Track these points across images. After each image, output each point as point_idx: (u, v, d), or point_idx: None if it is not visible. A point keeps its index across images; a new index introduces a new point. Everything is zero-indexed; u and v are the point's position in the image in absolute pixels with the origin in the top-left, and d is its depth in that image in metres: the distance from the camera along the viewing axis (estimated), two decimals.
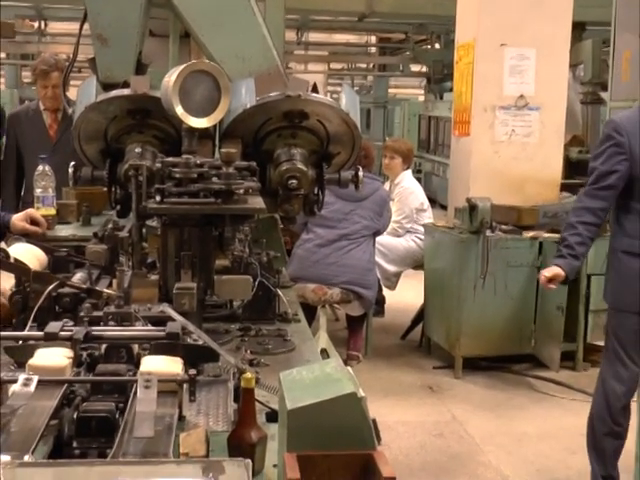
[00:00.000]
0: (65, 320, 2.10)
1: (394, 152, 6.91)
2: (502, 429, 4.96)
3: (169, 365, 1.84)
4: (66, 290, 2.35)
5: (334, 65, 19.60)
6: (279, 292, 2.97)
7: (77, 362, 1.90)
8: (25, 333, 2.15)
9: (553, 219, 5.91)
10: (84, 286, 2.43)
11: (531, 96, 6.07)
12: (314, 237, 5.77)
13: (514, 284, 5.80)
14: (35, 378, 1.70)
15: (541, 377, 5.77)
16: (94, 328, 2.02)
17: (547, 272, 3.76)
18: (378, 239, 6.20)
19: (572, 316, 5.69)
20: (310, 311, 5.51)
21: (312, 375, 1.65)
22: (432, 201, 9.12)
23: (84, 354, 1.94)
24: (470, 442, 4.78)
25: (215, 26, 3.13)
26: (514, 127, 6.08)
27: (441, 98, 14.66)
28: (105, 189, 2.91)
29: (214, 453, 1.67)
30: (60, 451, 1.64)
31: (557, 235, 5.65)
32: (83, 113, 2.84)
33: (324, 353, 5.06)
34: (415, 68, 17.73)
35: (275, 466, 1.70)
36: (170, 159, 2.45)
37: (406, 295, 7.18)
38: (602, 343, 4.16)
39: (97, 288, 2.46)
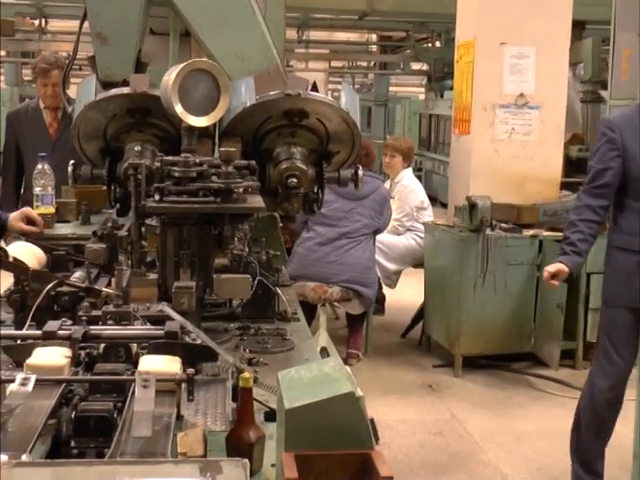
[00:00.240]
0: (63, 319, 2.11)
1: (394, 150, 6.91)
2: (502, 427, 4.96)
3: (167, 364, 1.84)
4: (65, 289, 2.35)
5: (335, 63, 19.57)
6: (278, 291, 2.97)
7: (75, 361, 1.90)
8: (23, 332, 2.15)
9: (553, 217, 5.91)
10: (83, 285, 2.43)
11: (531, 95, 6.07)
12: (314, 235, 5.77)
13: (514, 282, 5.80)
14: (33, 377, 1.70)
15: (541, 375, 5.76)
16: (92, 327, 2.02)
17: (551, 268, 3.76)
18: (378, 237, 6.21)
19: (572, 314, 5.68)
20: (310, 309, 5.52)
21: (310, 374, 1.65)
22: (433, 199, 9.11)
23: (82, 353, 1.93)
24: (470, 440, 4.78)
25: (215, 25, 3.14)
26: (514, 125, 6.08)
27: (441, 96, 14.64)
28: (104, 188, 2.91)
29: (212, 453, 1.67)
30: (58, 451, 1.64)
31: (557, 233, 5.67)
32: (83, 112, 2.84)
33: (324, 351, 5.07)
34: (416, 66, 17.72)
35: (273, 465, 1.70)
36: (169, 158, 2.45)
37: (406, 293, 7.18)
38: None
39: (96, 287, 2.46)
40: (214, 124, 2.71)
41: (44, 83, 4.96)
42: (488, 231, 5.64)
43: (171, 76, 2.50)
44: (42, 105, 5.04)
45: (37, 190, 3.66)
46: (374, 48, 17.94)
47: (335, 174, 2.92)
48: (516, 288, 5.81)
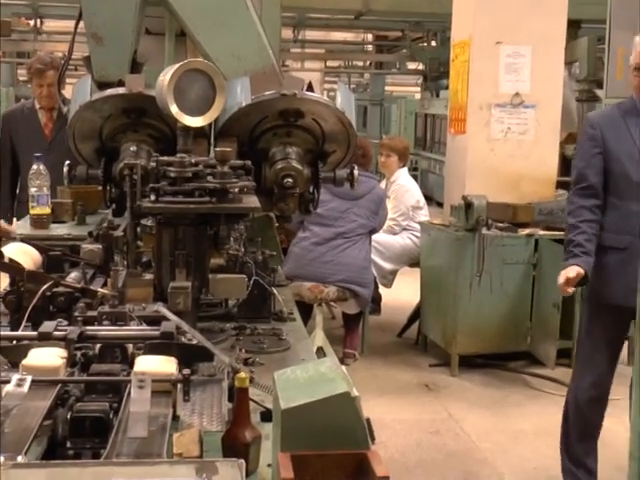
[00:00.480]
0: (59, 320, 2.10)
1: (390, 150, 6.91)
2: (498, 426, 4.97)
3: (163, 365, 1.84)
4: (60, 290, 2.34)
5: (331, 63, 19.58)
6: (274, 291, 2.97)
7: (71, 362, 1.90)
8: (19, 333, 2.14)
9: (549, 216, 5.91)
10: (78, 285, 2.42)
11: (527, 94, 6.07)
12: (310, 235, 5.77)
13: (510, 281, 5.81)
14: (29, 378, 1.70)
15: (537, 374, 5.77)
16: (88, 328, 2.02)
17: (571, 273, 3.54)
18: (374, 237, 6.21)
19: (568, 313, 5.69)
20: (306, 309, 5.52)
21: (306, 374, 1.65)
22: (428, 199, 9.12)
23: (78, 354, 1.93)
24: (466, 440, 4.79)
25: (210, 25, 3.13)
26: (510, 125, 6.08)
27: (437, 96, 14.65)
28: (100, 188, 2.90)
29: (208, 453, 1.67)
30: (54, 451, 1.64)
31: (553, 233, 5.69)
32: (78, 112, 2.83)
33: (320, 351, 5.07)
34: (411, 66, 17.74)
35: (269, 466, 1.70)
36: (165, 158, 2.44)
37: (402, 293, 7.18)
38: None
39: (91, 287, 2.45)
40: (210, 124, 2.71)
41: (39, 83, 4.96)
42: (484, 230, 5.65)
43: (166, 76, 2.50)
44: (37, 105, 5.04)
45: (33, 190, 3.66)
46: (370, 48, 17.95)
47: (331, 174, 2.92)
48: (512, 287, 5.82)
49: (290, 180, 2.73)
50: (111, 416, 1.68)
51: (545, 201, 6.07)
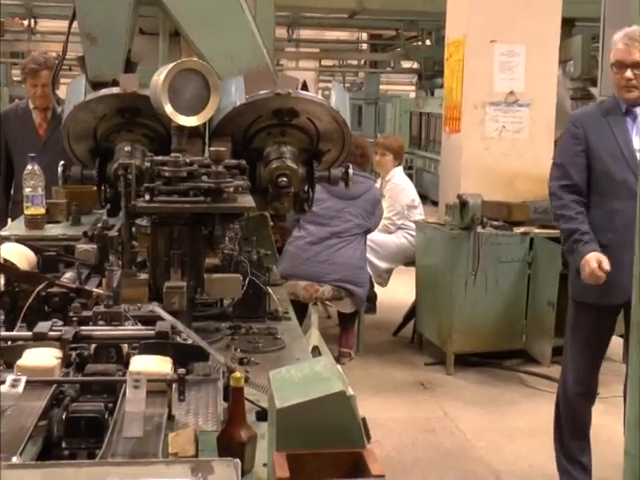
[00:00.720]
0: (54, 320, 2.10)
1: (385, 149, 6.91)
2: (494, 425, 4.97)
3: (158, 365, 1.84)
4: (55, 290, 2.34)
5: (325, 62, 19.59)
6: (269, 290, 2.97)
7: (66, 362, 1.90)
8: (14, 333, 2.14)
9: (544, 215, 5.91)
10: (73, 286, 2.42)
11: (521, 92, 6.08)
12: (305, 234, 5.77)
13: (505, 280, 5.81)
14: (23, 379, 1.70)
15: (532, 372, 5.77)
16: (83, 328, 2.02)
17: (595, 260, 3.53)
18: (370, 236, 6.22)
19: (563, 311, 5.66)
20: (301, 308, 5.52)
21: (301, 374, 1.65)
22: (423, 197, 9.13)
23: (73, 354, 1.93)
24: (462, 438, 4.79)
25: (204, 24, 3.13)
26: (504, 123, 6.09)
27: (432, 94, 14.66)
28: (95, 188, 2.90)
29: (204, 453, 1.67)
30: (49, 452, 1.63)
31: (548, 231, 5.69)
32: (72, 112, 2.83)
33: (316, 350, 5.06)
34: (406, 65, 17.75)
35: (265, 465, 1.70)
36: (159, 158, 2.44)
37: (398, 292, 7.18)
38: None
39: (86, 287, 2.45)
40: (204, 124, 2.71)
41: (33, 84, 4.95)
42: (479, 229, 5.65)
43: (161, 76, 2.50)
44: (32, 106, 5.03)
45: (27, 191, 3.65)
46: (364, 47, 17.97)
47: (325, 173, 2.92)
48: (507, 285, 5.82)
49: (285, 179, 2.73)
50: (106, 416, 1.68)
51: (540, 199, 6.05)
